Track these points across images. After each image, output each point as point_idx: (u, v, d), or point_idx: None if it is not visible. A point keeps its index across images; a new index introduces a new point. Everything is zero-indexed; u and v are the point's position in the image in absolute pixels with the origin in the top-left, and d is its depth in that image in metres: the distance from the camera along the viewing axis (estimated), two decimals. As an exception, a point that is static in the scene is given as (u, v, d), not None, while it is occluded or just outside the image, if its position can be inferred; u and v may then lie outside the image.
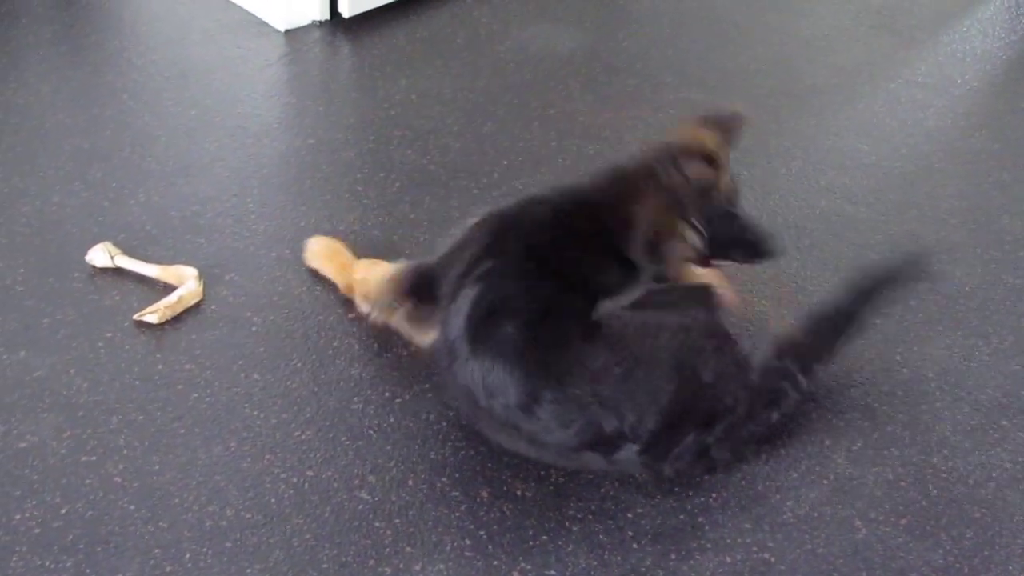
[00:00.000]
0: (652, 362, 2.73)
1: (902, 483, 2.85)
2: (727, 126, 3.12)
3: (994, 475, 2.88)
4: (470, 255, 2.89)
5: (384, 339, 3.14)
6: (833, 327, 3.02)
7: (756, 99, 4.26)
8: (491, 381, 2.71)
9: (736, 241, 3.13)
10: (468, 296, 2.80)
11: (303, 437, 2.88)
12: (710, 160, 3.02)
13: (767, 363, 2.90)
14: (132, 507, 2.68)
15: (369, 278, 3.16)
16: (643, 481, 2.80)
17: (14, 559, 2.55)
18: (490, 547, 2.65)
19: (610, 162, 3.12)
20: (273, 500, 2.72)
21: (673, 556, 2.66)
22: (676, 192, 2.96)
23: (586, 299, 2.86)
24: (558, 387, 2.68)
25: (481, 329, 2.76)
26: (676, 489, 2.79)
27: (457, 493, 2.77)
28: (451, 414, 2.95)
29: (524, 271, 2.85)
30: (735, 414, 2.77)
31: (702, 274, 3.12)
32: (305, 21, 4.52)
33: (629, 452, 2.71)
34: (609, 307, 2.87)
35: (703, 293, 3.00)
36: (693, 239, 3.01)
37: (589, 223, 2.96)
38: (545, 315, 2.77)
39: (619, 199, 2.99)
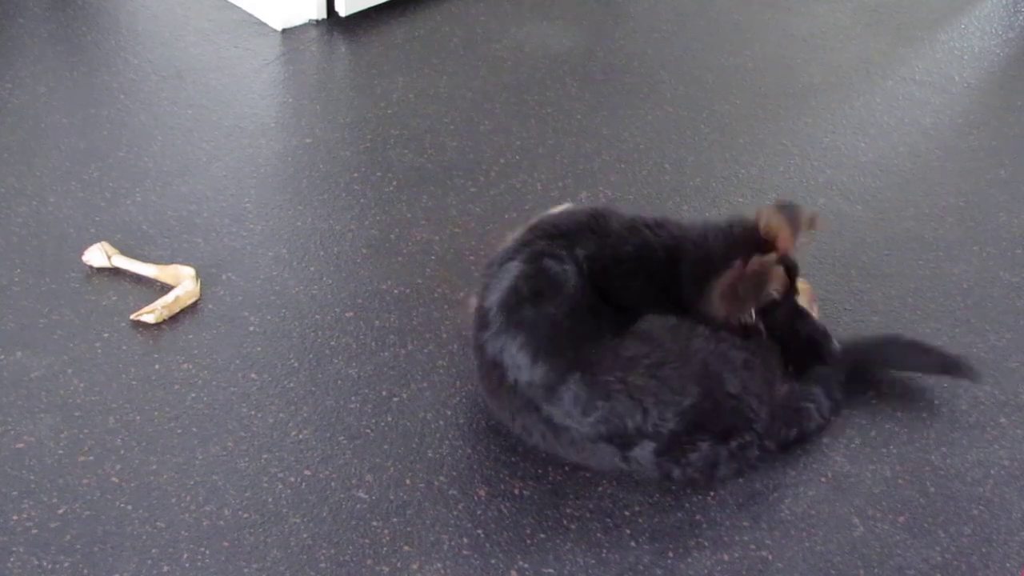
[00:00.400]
0: (681, 361, 2.75)
1: (900, 481, 2.85)
2: (799, 220, 2.98)
3: (992, 472, 2.88)
4: (536, 232, 2.93)
5: (380, 338, 3.14)
6: (866, 365, 3.07)
7: (753, 97, 4.26)
8: (520, 357, 2.74)
9: (799, 337, 3.08)
10: (515, 270, 2.84)
11: (300, 436, 2.87)
12: (789, 269, 2.96)
13: (795, 384, 2.92)
14: (129, 507, 2.68)
15: None
16: (640, 479, 2.79)
17: (11, 559, 2.55)
18: (488, 546, 2.64)
19: (716, 225, 3.00)
20: (270, 499, 2.72)
21: (671, 554, 2.65)
22: (753, 289, 2.89)
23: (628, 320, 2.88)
24: (588, 370, 2.71)
25: (522, 304, 2.79)
26: (674, 487, 2.79)
27: (455, 492, 2.77)
28: (449, 412, 2.95)
29: (579, 273, 2.85)
30: (752, 430, 2.77)
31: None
32: (302, 20, 4.52)
33: (646, 450, 2.71)
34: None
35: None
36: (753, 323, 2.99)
37: (666, 273, 2.95)
38: (587, 311, 2.80)
39: (706, 269, 2.92)
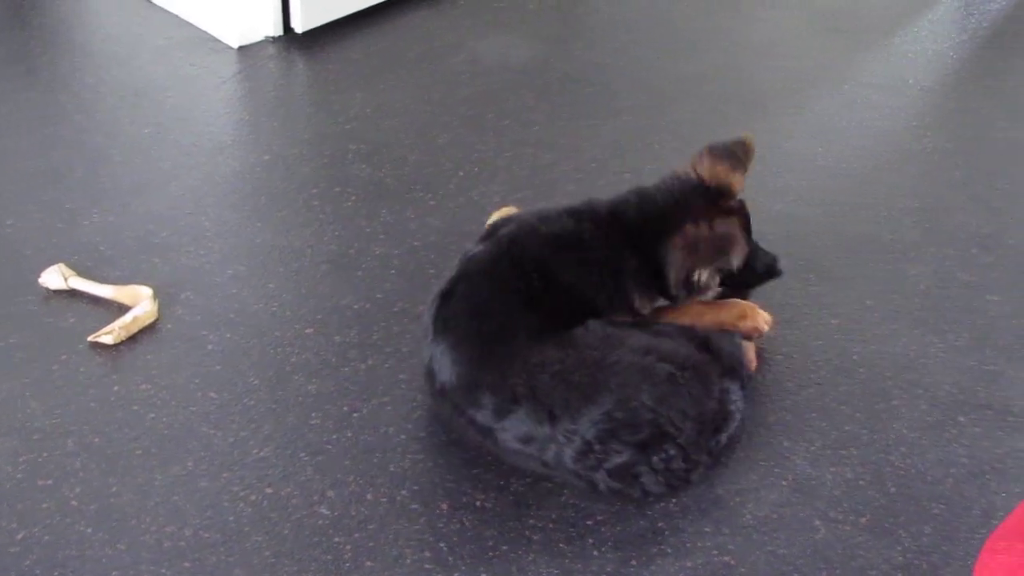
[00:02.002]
0: (596, 368, 2.74)
1: (861, 482, 2.86)
2: (738, 156, 3.09)
3: (952, 471, 2.89)
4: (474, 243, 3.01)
5: (341, 353, 3.14)
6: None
7: (711, 104, 4.28)
8: (444, 361, 2.80)
9: (754, 271, 3.17)
10: (448, 278, 2.92)
11: (261, 454, 2.87)
12: (731, 199, 3.05)
13: (727, 391, 2.91)
14: (89, 530, 2.67)
15: None
16: (581, 490, 2.80)
17: (-29, 585, 2.55)
18: (451, 559, 2.64)
19: (637, 190, 3.09)
20: (232, 518, 2.71)
21: (634, 562, 2.66)
22: (706, 239, 2.95)
23: (569, 309, 2.90)
24: (496, 374, 2.74)
25: (445, 308, 2.85)
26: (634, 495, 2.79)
27: (417, 506, 2.77)
28: (410, 426, 2.96)
29: (498, 265, 2.91)
30: (675, 444, 2.74)
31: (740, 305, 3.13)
32: (258, 37, 4.52)
33: (563, 456, 2.72)
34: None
35: (708, 339, 2.98)
36: (716, 278, 3.03)
37: (607, 246, 2.99)
38: (500, 303, 2.84)
39: (650, 234, 2.99)
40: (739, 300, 3.12)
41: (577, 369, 2.73)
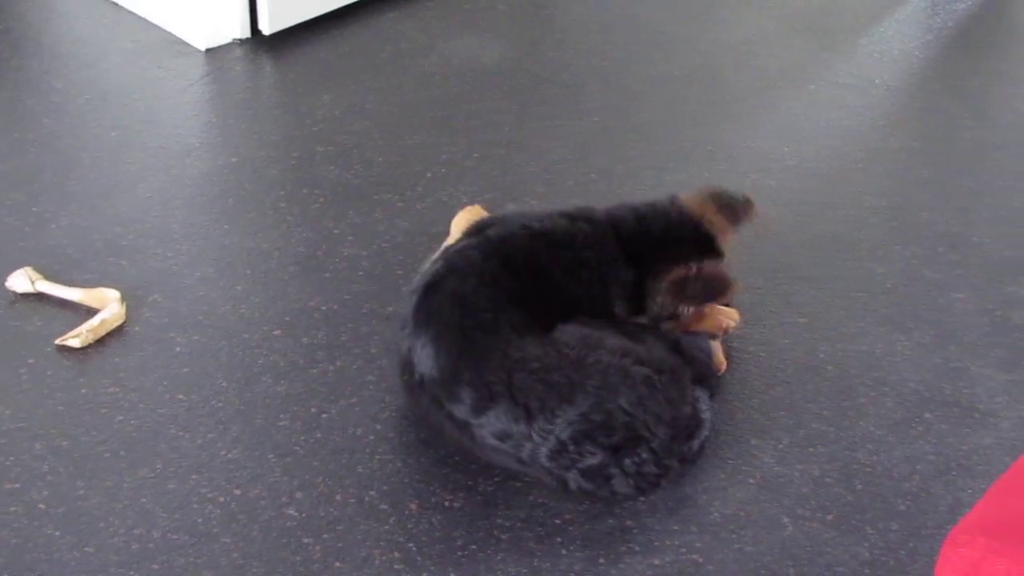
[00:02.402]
0: (575, 368, 2.75)
1: (828, 479, 2.87)
2: (739, 215, 3.13)
3: (918, 468, 2.91)
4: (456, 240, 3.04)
5: (309, 355, 3.14)
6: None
7: (679, 105, 4.29)
8: (424, 353, 2.80)
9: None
10: (429, 271, 2.92)
11: (230, 456, 2.87)
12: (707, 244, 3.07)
13: (701, 400, 2.93)
14: (57, 533, 2.67)
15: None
16: (553, 488, 2.81)
17: (-61, 589, 2.54)
18: (419, 559, 2.65)
19: (632, 208, 3.12)
20: (200, 520, 2.71)
21: (602, 560, 2.67)
22: (697, 281, 2.97)
23: (551, 308, 2.92)
24: (475, 368, 2.74)
25: (423, 302, 2.85)
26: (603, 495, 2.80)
27: (385, 506, 2.77)
28: (378, 427, 2.96)
29: (486, 260, 2.92)
30: (649, 449, 2.75)
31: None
32: (226, 40, 4.51)
33: (538, 455, 2.72)
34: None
35: (678, 342, 3.00)
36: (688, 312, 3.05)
37: (601, 251, 3.03)
38: (485, 299, 2.85)
39: (644, 255, 3.03)
40: None
41: (556, 368, 2.74)
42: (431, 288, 2.88)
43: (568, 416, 2.70)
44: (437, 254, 3.02)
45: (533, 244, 2.98)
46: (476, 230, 3.04)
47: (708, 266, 2.98)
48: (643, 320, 3.05)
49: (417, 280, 2.95)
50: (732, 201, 3.13)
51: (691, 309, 3.01)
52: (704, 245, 3.05)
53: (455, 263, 2.92)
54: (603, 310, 3.01)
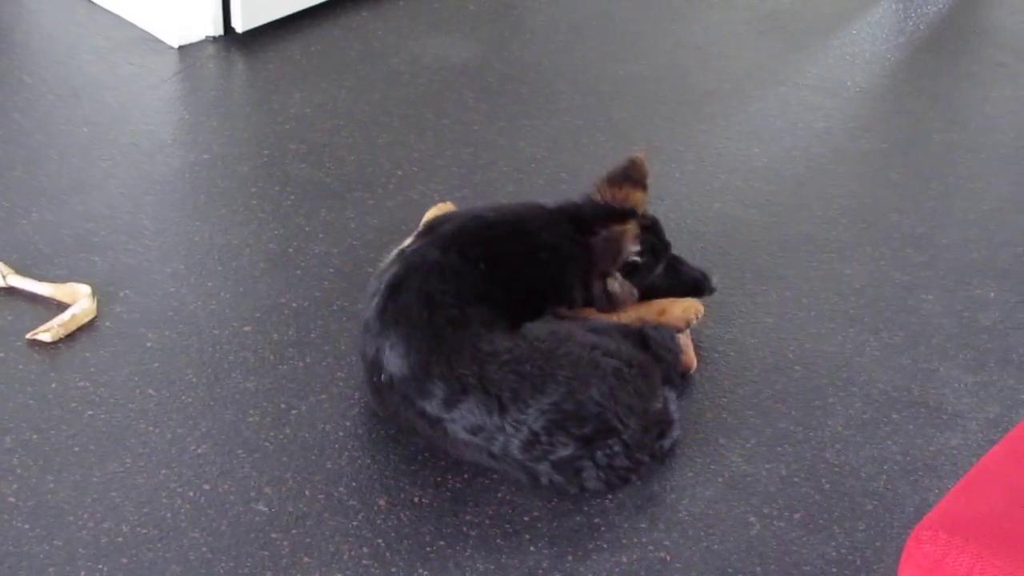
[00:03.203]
0: (546, 360, 2.77)
1: (795, 479, 2.89)
2: (633, 175, 3.19)
3: (885, 468, 2.93)
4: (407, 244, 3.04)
5: (279, 351, 3.15)
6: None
7: (649, 105, 4.30)
8: (392, 353, 2.81)
9: (681, 284, 3.24)
10: (388, 274, 2.92)
11: (199, 451, 2.87)
12: (629, 216, 3.12)
13: (671, 397, 2.95)
14: (26, 526, 2.67)
15: None
16: (523, 484, 2.82)
17: (-93, 582, 2.54)
18: (388, 555, 2.66)
19: (567, 200, 3.20)
20: (169, 515, 2.71)
21: (570, 557, 2.68)
22: (600, 260, 3.04)
23: (515, 298, 2.96)
24: (446, 364, 2.76)
25: (389, 303, 2.85)
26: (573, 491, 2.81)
27: (354, 502, 2.78)
28: (348, 423, 2.97)
29: (445, 256, 2.93)
30: (620, 440, 2.78)
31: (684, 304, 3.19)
32: (199, 37, 4.51)
33: (510, 448, 2.74)
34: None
35: (646, 338, 3.03)
36: (620, 287, 3.09)
37: (554, 236, 3.08)
38: (452, 295, 2.86)
39: (582, 234, 3.09)
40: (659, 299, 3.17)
41: (527, 359, 2.76)
42: (394, 288, 2.88)
43: (540, 405, 2.71)
44: (391, 256, 3.02)
45: (488, 233, 3.01)
46: (427, 230, 3.06)
47: (608, 231, 3.05)
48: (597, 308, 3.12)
49: (374, 283, 2.97)
50: (620, 170, 3.20)
51: (617, 283, 3.07)
52: (619, 221, 3.09)
53: (414, 262, 2.93)
54: (563, 295, 3.06)
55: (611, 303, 3.06)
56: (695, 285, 3.25)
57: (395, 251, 3.03)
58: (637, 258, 3.08)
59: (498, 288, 2.92)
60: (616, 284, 3.06)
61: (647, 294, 3.16)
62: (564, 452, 2.74)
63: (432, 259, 2.92)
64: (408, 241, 3.03)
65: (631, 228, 3.05)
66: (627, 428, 2.77)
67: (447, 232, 3.00)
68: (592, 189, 3.19)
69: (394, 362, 2.81)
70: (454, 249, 2.94)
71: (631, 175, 3.18)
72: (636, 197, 3.15)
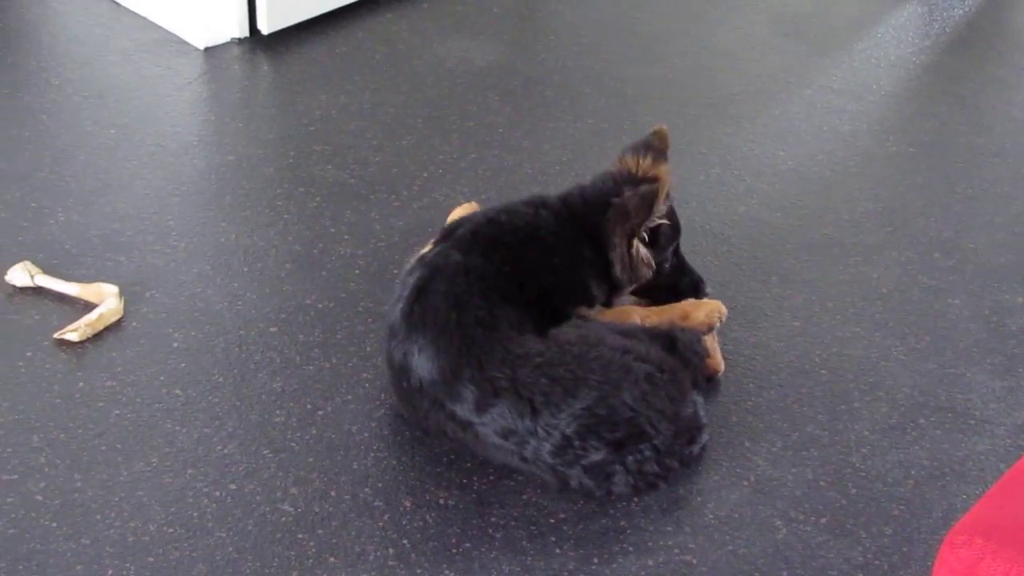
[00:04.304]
0: (578, 364, 2.76)
1: (822, 483, 2.88)
2: (656, 144, 3.19)
3: (912, 473, 2.92)
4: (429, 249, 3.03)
5: (305, 352, 3.15)
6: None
7: (674, 108, 4.30)
8: (421, 358, 2.80)
9: (685, 280, 3.26)
10: (412, 279, 2.91)
11: (225, 451, 2.88)
12: (652, 181, 3.10)
13: (700, 402, 2.94)
14: (54, 524, 2.67)
15: None
16: (551, 486, 2.82)
17: (-66, 580, 2.55)
18: (413, 555, 2.66)
19: (578, 184, 3.20)
20: (195, 514, 2.72)
21: (595, 560, 2.68)
22: (633, 214, 3.02)
23: (536, 301, 2.95)
24: (477, 366, 2.75)
25: (415, 307, 2.84)
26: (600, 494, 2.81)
27: (380, 503, 2.78)
28: (373, 424, 2.97)
29: (468, 258, 2.92)
30: (651, 445, 2.77)
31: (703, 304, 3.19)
32: (224, 39, 4.52)
33: (541, 452, 2.73)
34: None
35: (675, 342, 3.01)
36: (647, 254, 3.09)
37: (563, 236, 3.06)
38: (479, 297, 2.85)
39: (596, 222, 3.07)
40: (680, 302, 3.17)
41: (559, 363, 2.75)
42: (420, 291, 2.88)
43: (573, 410, 2.71)
44: (412, 262, 3.02)
45: (504, 238, 3.00)
46: (445, 235, 3.05)
47: (636, 189, 3.05)
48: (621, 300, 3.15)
49: (397, 288, 2.96)
50: (642, 142, 3.20)
51: (644, 249, 3.06)
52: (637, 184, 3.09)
53: (438, 265, 2.92)
54: (582, 295, 3.06)
55: (632, 270, 3.06)
56: (695, 286, 3.25)
57: (415, 258, 3.02)
58: (666, 220, 3.09)
59: (522, 290, 2.92)
60: (642, 247, 3.05)
61: (650, 291, 3.18)
62: (596, 457, 2.73)
63: (455, 261, 2.91)
64: (427, 248, 3.02)
65: (665, 179, 3.05)
66: (659, 433, 2.76)
67: (464, 235, 2.99)
68: (616, 162, 3.17)
69: (423, 366, 2.81)
70: (476, 252, 2.94)
71: (654, 144, 3.18)
72: (660, 169, 3.11)
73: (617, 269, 3.05)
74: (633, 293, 3.19)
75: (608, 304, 3.12)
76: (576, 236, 3.05)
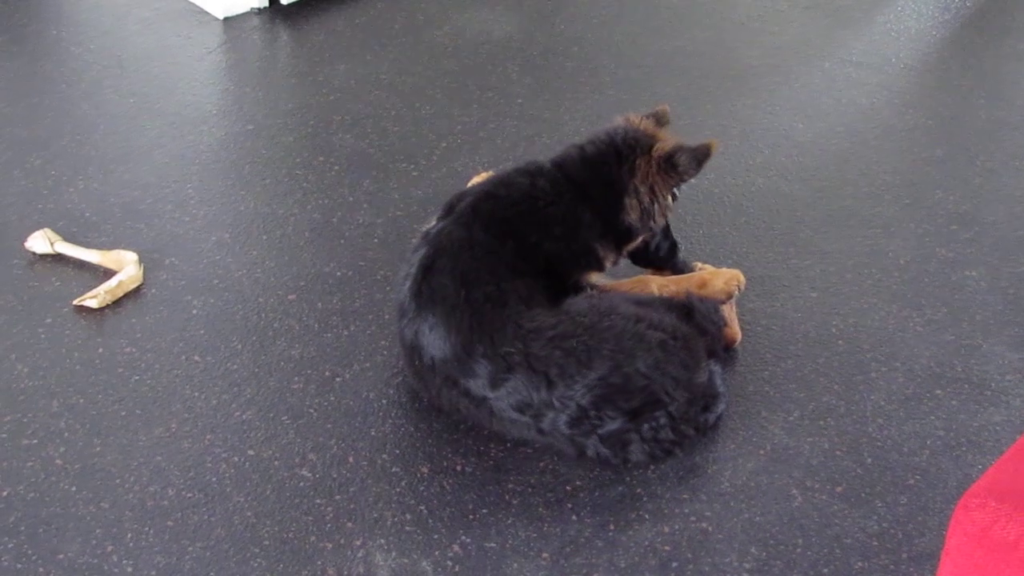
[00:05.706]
0: (590, 335, 2.77)
1: (838, 452, 2.89)
2: (657, 115, 3.20)
3: (928, 443, 2.92)
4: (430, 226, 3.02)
5: (323, 319, 3.16)
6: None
7: (693, 80, 4.30)
8: (433, 336, 2.80)
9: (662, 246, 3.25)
10: (417, 256, 2.91)
11: (244, 417, 2.89)
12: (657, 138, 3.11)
13: (715, 370, 2.94)
14: (73, 488, 2.69)
15: None
16: (568, 455, 2.82)
17: (-45, 542, 2.57)
18: (430, 521, 2.67)
19: (575, 144, 3.19)
20: (214, 479, 2.73)
21: (612, 527, 2.68)
22: (683, 169, 3.06)
23: (543, 272, 2.96)
24: (489, 342, 2.75)
25: (424, 285, 2.85)
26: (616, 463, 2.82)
27: (397, 469, 2.79)
28: (391, 391, 2.98)
29: (472, 234, 2.92)
30: (666, 412, 2.78)
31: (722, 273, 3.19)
32: (244, 8, 4.53)
33: (558, 423, 2.74)
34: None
35: (691, 310, 3.02)
36: (670, 201, 3.12)
37: (561, 202, 3.05)
38: (486, 272, 2.85)
39: (595, 183, 3.08)
40: (696, 271, 3.19)
41: (572, 335, 2.76)
42: (427, 269, 2.88)
43: (587, 381, 2.71)
44: (417, 240, 3.01)
45: (505, 212, 3.00)
46: (446, 211, 3.04)
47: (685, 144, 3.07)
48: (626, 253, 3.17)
49: (404, 267, 2.97)
50: (652, 113, 3.20)
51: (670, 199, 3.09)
52: (642, 151, 3.10)
53: (441, 243, 2.92)
54: (589, 259, 3.06)
55: (652, 218, 3.08)
56: (672, 248, 3.25)
57: (420, 233, 3.03)
58: (693, 179, 3.12)
59: (528, 262, 2.93)
60: (671, 199, 3.09)
61: (642, 256, 3.22)
62: (612, 426, 2.74)
63: (459, 237, 2.91)
64: (431, 223, 3.03)
65: (715, 142, 3.07)
66: (673, 400, 2.77)
67: (465, 209, 2.99)
68: (620, 119, 3.17)
69: (435, 344, 2.81)
70: (477, 226, 2.93)
71: (655, 114, 3.19)
72: (660, 132, 3.13)
73: (633, 216, 3.06)
74: None
75: (616, 263, 3.13)
76: (574, 201, 3.04)
